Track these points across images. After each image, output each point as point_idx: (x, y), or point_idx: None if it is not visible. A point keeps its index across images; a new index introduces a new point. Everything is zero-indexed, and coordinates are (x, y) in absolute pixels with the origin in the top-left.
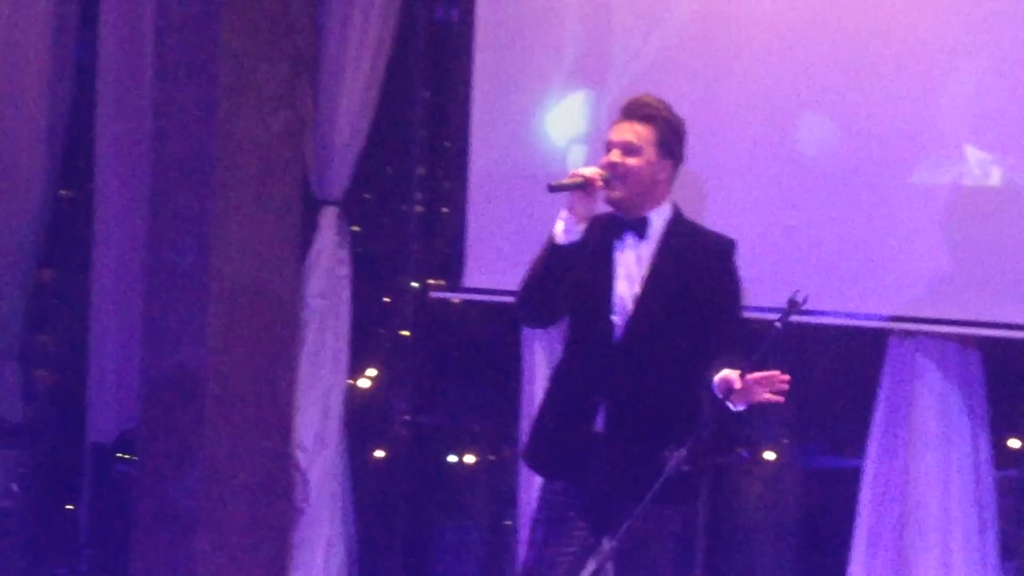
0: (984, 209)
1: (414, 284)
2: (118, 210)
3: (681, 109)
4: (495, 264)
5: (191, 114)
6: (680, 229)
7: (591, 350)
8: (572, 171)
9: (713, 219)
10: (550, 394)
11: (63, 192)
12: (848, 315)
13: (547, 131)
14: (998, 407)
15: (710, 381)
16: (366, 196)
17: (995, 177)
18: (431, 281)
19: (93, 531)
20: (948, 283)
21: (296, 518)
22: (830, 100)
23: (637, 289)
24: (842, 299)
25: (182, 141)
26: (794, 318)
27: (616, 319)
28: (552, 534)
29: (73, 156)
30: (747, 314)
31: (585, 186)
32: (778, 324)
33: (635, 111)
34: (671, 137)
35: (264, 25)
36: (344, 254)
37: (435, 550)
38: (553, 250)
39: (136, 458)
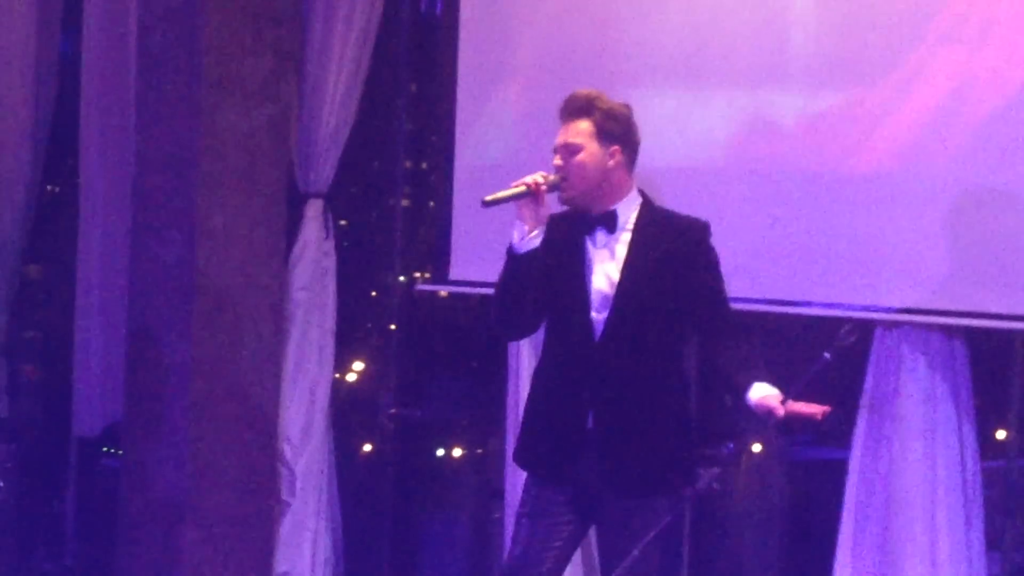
0: (969, 200)
1: (400, 277)
2: (103, 204)
3: (667, 102)
4: (481, 257)
5: (175, 107)
6: (651, 217)
7: (574, 349)
8: (514, 182)
9: (700, 212)
10: (534, 397)
11: (49, 187)
12: (833, 306)
13: (532, 124)
14: (983, 398)
15: (742, 388)
16: (352, 189)
17: (981, 168)
18: (417, 274)
19: (79, 525)
20: (933, 273)
21: (282, 511)
22: (817, 93)
23: (615, 282)
24: (827, 290)
25: (166, 135)
26: (780, 309)
27: (596, 315)
28: (537, 528)
29: (58, 151)
30: (735, 306)
31: (526, 195)
32: (828, 355)
33: (569, 110)
34: (610, 124)
35: (248, 18)
36: (329, 247)
37: (422, 543)
38: (513, 260)
39: (121, 452)
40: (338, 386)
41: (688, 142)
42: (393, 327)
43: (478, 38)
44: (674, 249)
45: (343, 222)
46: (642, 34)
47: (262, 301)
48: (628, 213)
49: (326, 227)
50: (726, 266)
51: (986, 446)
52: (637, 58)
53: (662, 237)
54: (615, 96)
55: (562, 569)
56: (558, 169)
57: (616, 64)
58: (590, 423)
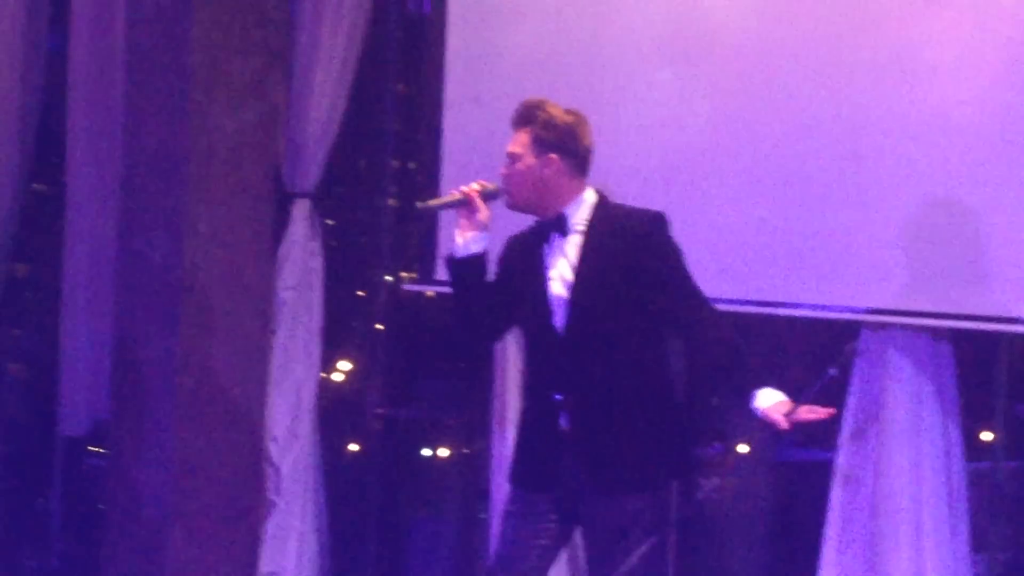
0: (956, 201)
1: (387, 277)
2: (90, 203)
3: (655, 100)
4: None
5: (163, 106)
6: (604, 214)
7: (543, 356)
8: (451, 190)
9: (686, 212)
10: (522, 411)
11: (35, 186)
12: (820, 307)
13: None
14: (969, 399)
15: (745, 392)
16: (339, 189)
17: (968, 171)
18: (404, 274)
19: (64, 524)
20: (920, 275)
21: (268, 511)
22: (802, 94)
23: (570, 284)
24: (814, 291)
25: (153, 134)
26: (767, 311)
27: (557, 319)
28: (523, 527)
29: (45, 150)
30: (722, 307)
31: (460, 203)
32: (832, 371)
33: (515, 120)
34: (547, 133)
35: (236, 17)
36: (316, 247)
37: (408, 543)
38: (451, 265)
39: (107, 451)
40: (324, 386)
41: (675, 142)
42: (380, 327)
43: (466, 37)
44: (627, 243)
45: (330, 222)
46: (630, 33)
47: (248, 301)
48: (578, 215)
49: (313, 227)
50: (712, 268)
51: (971, 447)
52: (625, 57)
53: (614, 233)
54: (601, 94)
55: (547, 569)
56: (503, 177)
57: (603, 63)
58: (564, 425)
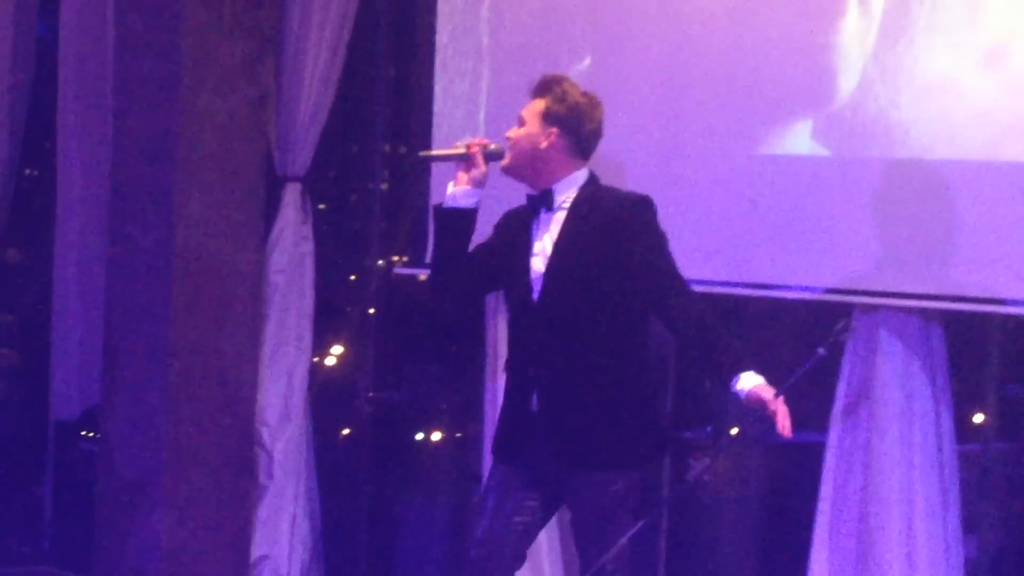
0: (945, 183)
1: (379, 261)
2: (81, 188)
3: (647, 85)
4: None
5: (153, 90)
6: (591, 195)
7: (521, 330)
8: (456, 143)
9: (678, 195)
10: (505, 383)
11: (26, 171)
12: (811, 289)
13: (511, 107)
14: (960, 381)
15: (727, 374)
16: (330, 173)
17: (958, 152)
18: (395, 258)
19: (56, 509)
20: (911, 257)
21: (260, 495)
22: (788, 77)
23: (548, 259)
24: (805, 273)
25: (144, 117)
26: (758, 293)
27: (535, 294)
28: (503, 503)
29: (36, 135)
30: (712, 289)
31: (461, 158)
32: (822, 350)
33: (535, 88)
34: (556, 106)
35: (226, 1)
36: (307, 231)
37: (400, 527)
38: (438, 215)
39: (99, 436)
40: (316, 370)
41: (667, 124)
42: (371, 311)
43: (457, 21)
44: (610, 224)
45: (321, 206)
46: (621, 17)
47: (240, 285)
48: (566, 192)
49: (304, 211)
50: (704, 249)
51: (963, 429)
52: (616, 41)
53: (598, 213)
54: (595, 76)
55: (526, 545)
56: (508, 139)
57: (596, 47)
58: (535, 402)
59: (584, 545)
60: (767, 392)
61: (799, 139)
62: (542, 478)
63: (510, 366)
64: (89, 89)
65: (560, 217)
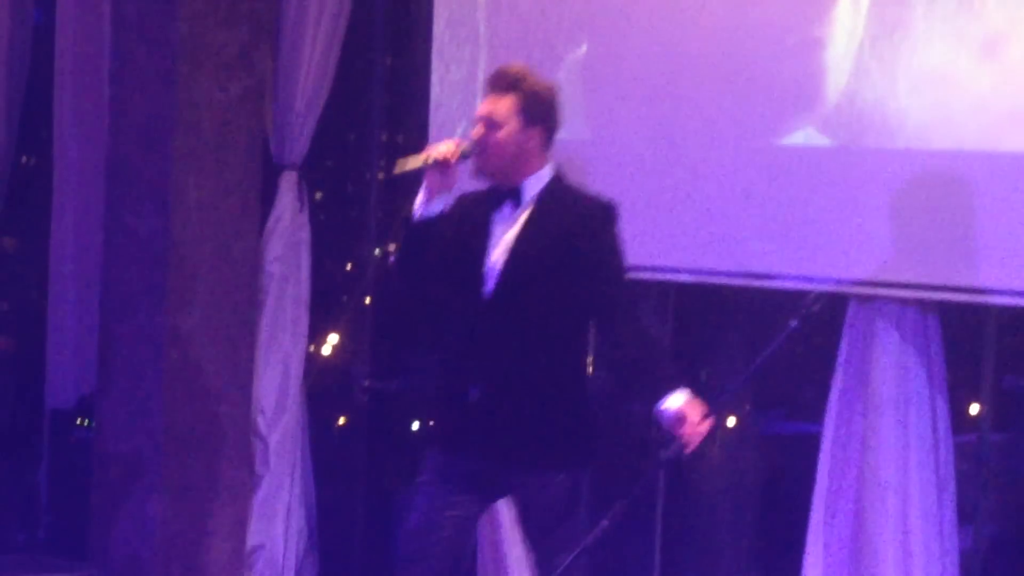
0: (944, 172)
1: (375, 250)
2: (77, 176)
3: (643, 73)
4: None
5: (150, 79)
6: (556, 194)
7: (464, 320)
8: (426, 149)
9: (672, 184)
10: (439, 366)
11: (23, 159)
12: (807, 279)
13: None
14: (956, 372)
15: (661, 395)
16: (327, 162)
17: (955, 142)
18: (392, 247)
19: (52, 497)
20: (907, 247)
21: (256, 484)
22: (785, 67)
23: (507, 254)
24: (801, 264)
25: (140, 106)
26: (753, 283)
27: (486, 288)
28: (437, 498)
29: (32, 123)
30: (707, 279)
31: (436, 165)
32: (793, 323)
33: (497, 82)
34: (534, 105)
35: None
36: (304, 219)
37: (395, 516)
38: (408, 227)
39: (95, 424)
40: (312, 358)
41: (662, 113)
42: (368, 300)
43: (453, 8)
44: (573, 227)
45: (318, 194)
46: (618, 5)
47: (236, 273)
48: (534, 188)
49: (301, 199)
50: (699, 239)
51: (958, 420)
52: (612, 29)
53: (562, 214)
54: (592, 66)
55: (464, 540)
56: (476, 140)
57: (592, 35)
58: (473, 394)
59: (535, 537)
60: (692, 410)
61: (795, 129)
62: (478, 472)
63: (445, 355)
64: (86, 77)
65: (524, 212)
